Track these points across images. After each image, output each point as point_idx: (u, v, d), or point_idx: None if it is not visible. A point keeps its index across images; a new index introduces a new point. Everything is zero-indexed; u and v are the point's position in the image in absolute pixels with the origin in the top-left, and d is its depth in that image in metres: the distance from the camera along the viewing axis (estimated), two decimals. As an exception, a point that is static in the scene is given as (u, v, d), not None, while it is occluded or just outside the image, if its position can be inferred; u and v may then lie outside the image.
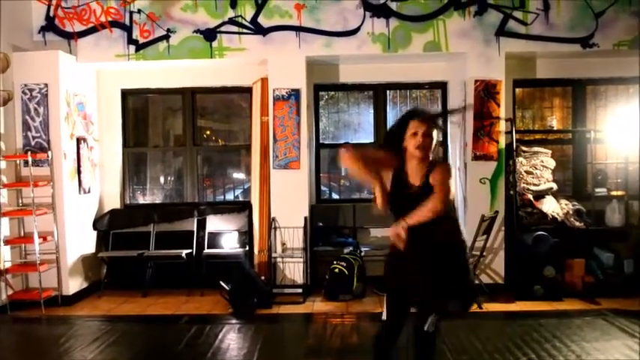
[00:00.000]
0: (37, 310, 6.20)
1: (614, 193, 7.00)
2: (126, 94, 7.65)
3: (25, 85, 6.46)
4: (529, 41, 6.66)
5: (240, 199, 8.03)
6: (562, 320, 5.52)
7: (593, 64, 7.12)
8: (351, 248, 6.86)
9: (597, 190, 6.99)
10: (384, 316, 3.45)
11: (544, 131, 7.39)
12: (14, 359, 4.87)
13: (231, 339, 5.21)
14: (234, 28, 6.75)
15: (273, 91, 6.82)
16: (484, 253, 6.42)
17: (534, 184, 6.75)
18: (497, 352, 4.64)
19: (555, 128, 7.18)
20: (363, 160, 3.26)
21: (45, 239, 6.36)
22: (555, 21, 6.63)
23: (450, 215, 3.32)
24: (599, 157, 7.36)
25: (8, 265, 6.31)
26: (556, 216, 6.62)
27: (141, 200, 7.95)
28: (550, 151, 6.91)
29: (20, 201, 6.53)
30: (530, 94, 7.68)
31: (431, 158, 3.30)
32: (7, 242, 6.28)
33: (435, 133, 3.26)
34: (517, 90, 7.40)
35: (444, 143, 7.48)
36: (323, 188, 7.70)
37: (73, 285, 6.68)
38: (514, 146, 6.67)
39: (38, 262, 6.20)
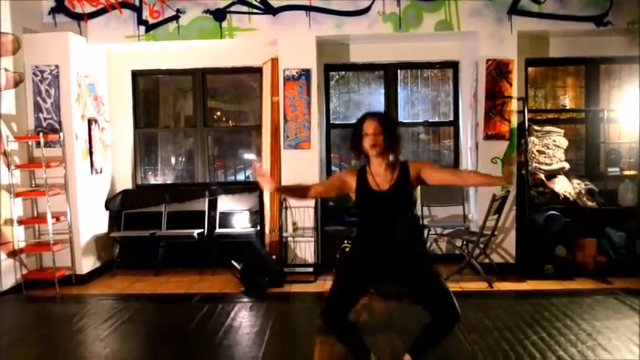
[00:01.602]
0: (51, 289, 6.27)
1: (626, 172, 6.97)
2: (136, 75, 7.66)
3: (36, 67, 6.48)
4: (542, 19, 6.59)
5: (251, 179, 8.06)
6: (573, 299, 5.51)
7: (606, 43, 7.04)
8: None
9: (610, 169, 6.96)
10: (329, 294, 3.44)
11: (556, 110, 7.34)
12: (29, 337, 4.93)
13: (243, 317, 5.26)
14: (244, 8, 6.72)
15: (284, 71, 6.80)
16: (495, 233, 6.41)
17: (546, 164, 6.70)
18: (508, 330, 4.64)
19: (568, 107, 7.13)
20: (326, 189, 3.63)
21: (58, 219, 6.42)
22: (569, -2, 6.56)
23: (415, 215, 3.47)
24: (612, 136, 7.32)
25: (22, 244, 6.38)
26: (568, 195, 6.59)
27: (152, 181, 8.00)
28: (562, 131, 6.85)
29: (33, 182, 6.58)
30: (543, 73, 7.62)
31: (392, 158, 3.37)
32: (20, 222, 6.35)
33: (388, 131, 3.31)
34: (529, 69, 7.33)
35: (456, 123, 7.46)
36: (333, 168, 7.70)
37: (86, 264, 6.75)
38: (526, 125, 6.61)
39: (52, 241, 6.27)
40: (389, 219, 3.31)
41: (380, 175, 3.36)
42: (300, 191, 3.61)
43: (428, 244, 7.17)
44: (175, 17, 6.77)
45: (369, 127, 3.30)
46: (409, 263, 3.31)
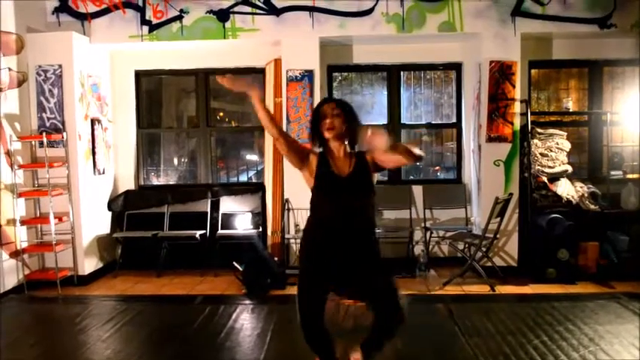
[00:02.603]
0: (54, 289, 6.28)
1: (629, 176, 6.93)
2: (139, 76, 7.66)
3: (40, 67, 6.48)
4: (545, 21, 6.58)
5: (254, 180, 8.07)
6: (575, 303, 5.49)
7: (610, 45, 7.03)
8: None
9: (613, 172, 6.95)
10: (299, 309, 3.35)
11: (559, 113, 7.32)
12: (31, 338, 4.93)
13: (245, 319, 5.25)
14: (247, 9, 6.72)
15: (287, 72, 6.80)
16: (497, 236, 6.39)
17: (549, 167, 6.70)
18: (510, 334, 4.63)
19: (571, 110, 7.10)
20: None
21: (60, 220, 6.42)
22: (572, 1, 6.54)
23: (374, 205, 3.41)
24: (616, 139, 7.30)
25: (25, 245, 6.39)
26: (571, 199, 6.58)
27: (155, 181, 8.00)
28: (565, 133, 6.85)
29: (36, 182, 6.58)
30: (546, 75, 7.60)
31: (349, 147, 3.32)
32: (23, 222, 6.35)
33: (346, 114, 3.26)
34: (533, 71, 7.33)
35: (458, 125, 7.45)
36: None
37: (89, 265, 6.75)
38: (529, 128, 6.61)
39: (54, 242, 6.27)
40: (349, 204, 3.24)
41: (340, 161, 3.31)
42: (273, 120, 3.30)
43: (430, 246, 7.16)
44: (179, 17, 6.78)
45: (327, 109, 3.27)
46: (362, 256, 3.26)
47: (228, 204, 7.37)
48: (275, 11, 6.70)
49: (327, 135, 3.27)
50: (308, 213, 6.88)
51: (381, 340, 3.35)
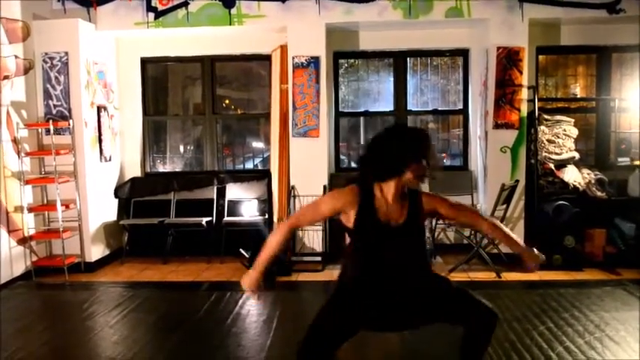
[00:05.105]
0: (61, 276, 6.32)
1: (637, 162, 6.89)
2: (145, 62, 7.64)
3: (46, 54, 6.48)
4: (554, 7, 6.51)
5: (260, 167, 8.07)
6: (581, 290, 5.49)
7: (619, 31, 6.94)
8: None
9: (620, 159, 6.92)
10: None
11: (567, 99, 7.26)
12: (39, 324, 4.97)
13: (251, 306, 5.26)
14: (253, -5, 6.70)
15: (293, 58, 6.77)
16: (504, 222, 6.38)
17: (556, 153, 6.66)
18: (516, 320, 4.64)
19: (579, 96, 7.06)
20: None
21: (67, 207, 6.45)
22: (581, -14, 6.48)
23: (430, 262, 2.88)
24: (623, 126, 7.25)
25: (32, 232, 6.42)
26: (577, 185, 6.55)
27: (161, 168, 8.01)
28: (573, 120, 6.80)
29: (43, 169, 6.60)
30: (554, 61, 7.54)
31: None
32: (30, 210, 6.38)
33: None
34: (540, 57, 7.26)
35: (465, 112, 7.41)
36: (342, 157, 7.68)
37: (96, 252, 6.78)
38: (536, 114, 6.56)
39: (61, 229, 6.30)
40: (401, 264, 2.71)
41: (391, 204, 2.70)
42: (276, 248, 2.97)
43: (436, 233, 7.16)
44: (184, 4, 6.75)
45: (429, 154, 2.64)
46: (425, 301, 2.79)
47: (234, 191, 7.38)
48: (281, -3, 6.68)
49: (414, 183, 2.70)
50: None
51: (485, 348, 2.93)
